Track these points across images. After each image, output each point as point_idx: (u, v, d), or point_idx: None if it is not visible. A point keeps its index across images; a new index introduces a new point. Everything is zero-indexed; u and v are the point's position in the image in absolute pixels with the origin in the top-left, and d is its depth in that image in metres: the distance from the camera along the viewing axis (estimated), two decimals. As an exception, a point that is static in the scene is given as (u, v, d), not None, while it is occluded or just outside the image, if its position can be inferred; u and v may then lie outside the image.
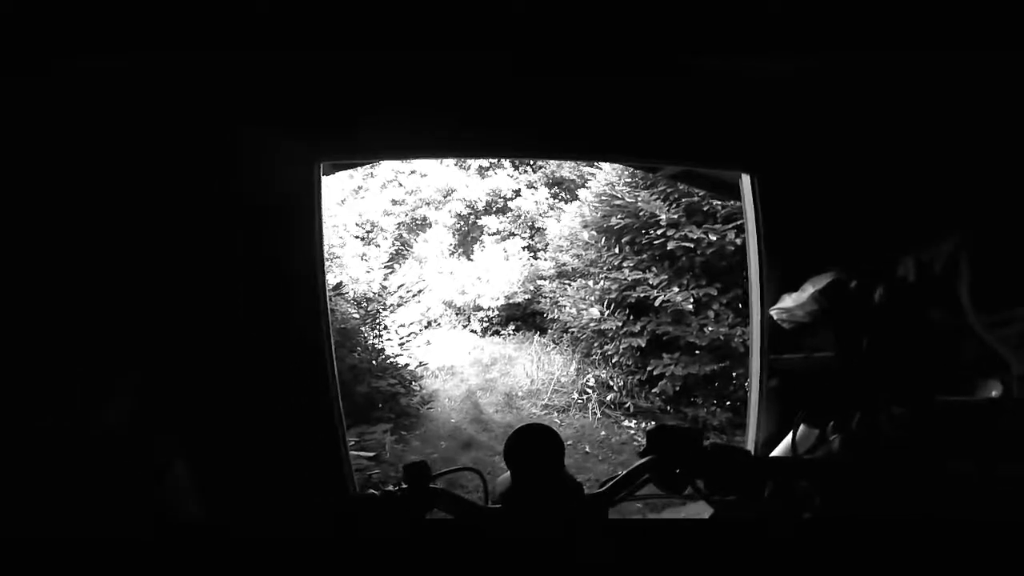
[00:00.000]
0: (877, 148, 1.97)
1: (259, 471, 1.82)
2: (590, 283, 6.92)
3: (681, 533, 1.04)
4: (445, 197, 10.69)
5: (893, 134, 1.95)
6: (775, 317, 2.03)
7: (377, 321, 6.67)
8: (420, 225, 10.81)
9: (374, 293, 6.99)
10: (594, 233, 7.08)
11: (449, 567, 0.99)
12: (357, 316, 6.36)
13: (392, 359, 6.44)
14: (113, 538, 1.30)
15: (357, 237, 9.00)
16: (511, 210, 10.36)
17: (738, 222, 5.48)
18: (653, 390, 6.16)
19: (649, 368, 6.14)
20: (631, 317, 6.42)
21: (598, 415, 6.27)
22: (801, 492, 1.18)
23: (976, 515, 1.06)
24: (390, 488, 1.01)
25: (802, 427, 1.58)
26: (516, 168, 10.68)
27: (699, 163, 2.61)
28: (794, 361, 2.01)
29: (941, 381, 1.57)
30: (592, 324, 6.74)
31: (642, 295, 6.24)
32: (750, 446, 2.19)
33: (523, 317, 9.06)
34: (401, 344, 6.78)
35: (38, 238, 1.66)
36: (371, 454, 4.94)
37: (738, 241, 5.61)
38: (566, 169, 10.29)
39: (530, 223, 10.19)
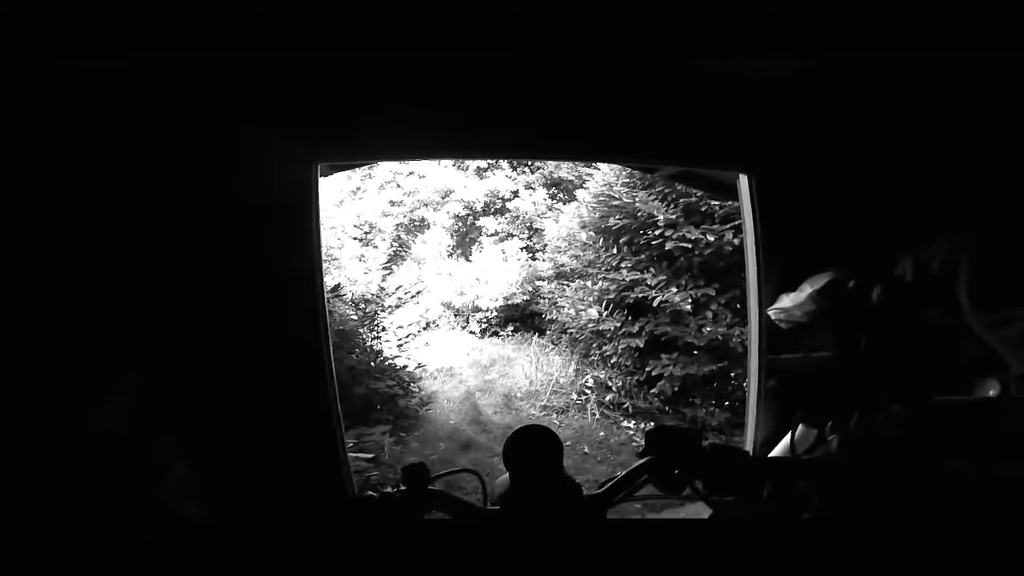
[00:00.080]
0: (875, 148, 1.98)
1: (258, 472, 1.82)
2: (588, 284, 6.93)
3: (680, 533, 1.04)
4: (443, 198, 10.68)
5: (891, 134, 1.95)
6: (773, 317, 2.03)
7: (375, 322, 6.66)
8: (418, 226, 10.80)
9: (372, 294, 6.98)
10: (592, 234, 7.08)
11: (448, 569, 0.98)
12: (355, 318, 6.35)
13: (390, 361, 6.43)
14: (113, 538, 1.30)
15: (355, 239, 8.99)
16: (509, 211, 10.36)
17: (736, 222, 5.49)
18: (652, 391, 6.16)
19: (648, 368, 6.14)
20: (629, 318, 6.42)
21: (597, 416, 6.27)
22: (800, 492, 1.18)
23: (974, 514, 1.06)
24: (388, 490, 1.01)
25: (800, 427, 1.58)
26: (514, 169, 10.68)
27: (697, 163, 2.61)
28: (792, 361, 2.01)
29: (939, 381, 1.57)
30: (591, 325, 6.74)
31: (640, 296, 6.24)
32: (749, 446, 2.19)
33: (521, 318, 9.06)
34: (399, 345, 6.77)
35: (38, 238, 1.65)
36: (370, 456, 4.93)
37: (736, 241, 5.62)
38: (564, 170, 10.29)
39: (528, 224, 10.19)
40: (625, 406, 6.25)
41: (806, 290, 1.89)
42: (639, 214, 6.31)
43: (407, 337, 7.01)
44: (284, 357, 1.90)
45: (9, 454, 1.47)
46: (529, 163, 10.44)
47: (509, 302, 9.04)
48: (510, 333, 8.95)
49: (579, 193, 8.08)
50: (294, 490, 1.83)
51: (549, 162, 9.94)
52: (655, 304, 6.08)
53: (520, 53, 1.68)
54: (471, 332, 9.21)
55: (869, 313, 1.72)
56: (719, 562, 0.99)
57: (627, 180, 6.66)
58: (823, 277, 1.87)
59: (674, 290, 6.04)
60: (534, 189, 10.51)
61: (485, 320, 9.21)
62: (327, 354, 1.98)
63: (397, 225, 10.57)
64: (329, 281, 6.27)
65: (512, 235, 10.19)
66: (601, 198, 6.87)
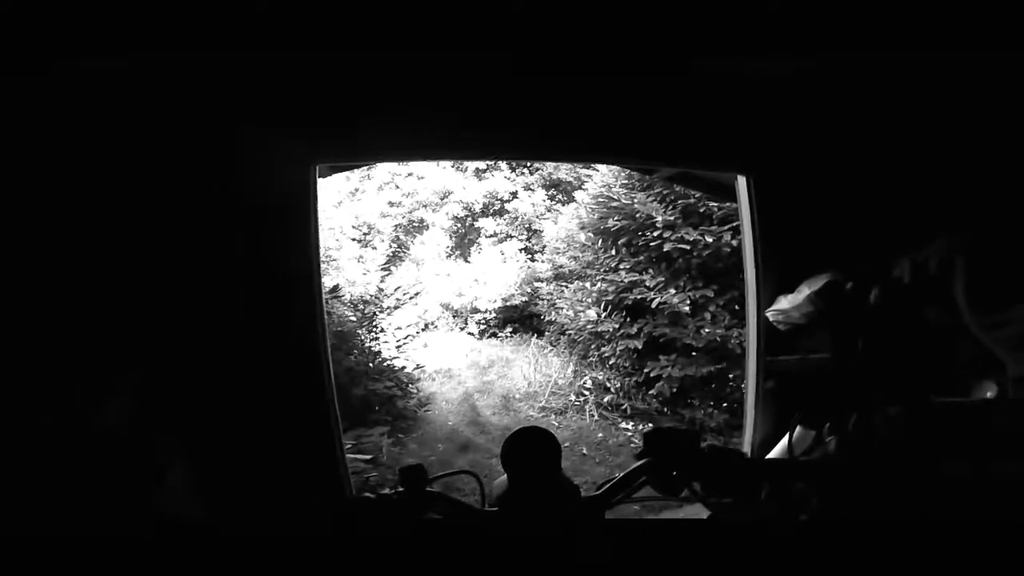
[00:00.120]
0: (873, 149, 1.98)
1: (255, 473, 1.81)
2: (587, 285, 6.93)
3: (677, 534, 1.04)
4: (442, 199, 10.68)
5: (889, 135, 1.96)
6: (771, 319, 2.03)
7: (374, 324, 6.65)
8: (417, 227, 10.80)
9: (371, 295, 6.97)
10: (591, 235, 7.09)
11: (445, 570, 0.98)
12: (354, 319, 6.34)
13: (389, 362, 6.42)
14: (113, 538, 1.30)
15: (354, 239, 8.98)
16: (508, 212, 10.35)
17: (734, 224, 5.49)
18: (650, 392, 6.16)
19: (646, 370, 6.14)
20: (628, 319, 6.42)
21: (595, 417, 6.27)
22: (798, 494, 1.18)
23: (972, 516, 1.06)
24: (386, 491, 1.01)
25: (798, 429, 1.58)
26: (513, 170, 10.68)
27: (696, 164, 2.62)
28: (790, 363, 2.01)
29: (937, 382, 1.58)
30: (589, 326, 6.74)
31: (639, 297, 6.25)
32: (747, 447, 2.19)
33: (520, 319, 9.05)
34: (398, 347, 6.76)
35: (38, 237, 1.65)
36: (368, 457, 4.92)
37: (734, 243, 5.62)
38: (563, 171, 10.29)
39: (527, 225, 10.19)
40: (623, 407, 6.25)
41: (804, 292, 1.90)
42: (638, 215, 6.31)
43: (405, 338, 7.01)
44: (282, 358, 1.90)
45: (9, 454, 1.47)
46: (528, 164, 10.44)
47: (508, 303, 9.04)
48: (509, 334, 8.95)
49: (578, 194, 8.09)
50: (292, 491, 1.82)
51: (548, 163, 9.94)
52: (654, 305, 6.08)
53: (520, 53, 1.68)
54: (470, 333, 9.20)
55: (867, 315, 1.73)
56: (717, 564, 0.99)
57: (626, 181, 6.67)
58: (821, 279, 1.87)
59: (672, 291, 6.05)
60: (533, 190, 10.51)
61: (484, 321, 9.20)
62: (325, 355, 1.98)
63: (396, 226, 10.56)
64: (328, 282, 6.27)
65: (511, 236, 10.19)
66: (600, 199, 6.88)
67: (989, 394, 1.49)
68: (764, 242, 2.17)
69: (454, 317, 9.49)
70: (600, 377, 6.57)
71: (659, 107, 1.99)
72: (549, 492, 0.99)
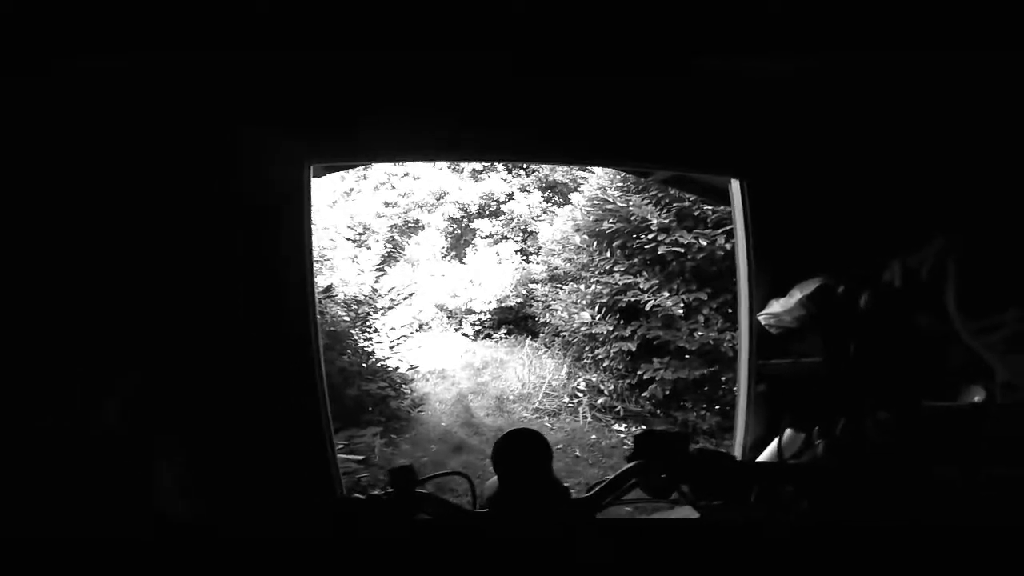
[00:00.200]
0: (866, 153, 1.99)
1: (245, 473, 1.80)
2: (582, 287, 6.94)
3: (666, 536, 1.04)
4: (438, 200, 10.68)
5: (884, 139, 1.97)
6: (763, 322, 2.04)
7: (367, 324, 6.63)
8: (412, 228, 10.79)
9: (365, 296, 6.95)
10: (586, 237, 7.10)
11: (435, 571, 0.98)
12: (347, 319, 6.32)
13: (382, 362, 6.40)
14: (112, 538, 1.29)
15: (349, 239, 8.96)
16: (504, 213, 10.36)
17: (728, 227, 5.52)
18: (643, 394, 6.17)
19: (639, 372, 6.15)
20: (622, 321, 6.43)
21: (588, 419, 6.27)
22: (787, 497, 1.18)
23: (961, 520, 1.06)
24: (376, 492, 1.01)
25: (788, 432, 1.59)
26: (509, 172, 10.69)
27: (693, 168, 2.62)
28: (782, 366, 2.02)
29: (927, 386, 1.58)
30: (583, 328, 6.75)
31: (633, 299, 6.26)
32: (738, 450, 2.20)
33: (515, 321, 9.05)
34: (392, 347, 6.74)
35: (37, 237, 1.65)
36: (360, 457, 4.90)
37: (728, 246, 5.64)
38: (559, 173, 10.31)
39: (523, 226, 10.20)
40: (617, 409, 6.26)
41: (796, 296, 1.90)
42: (632, 218, 6.33)
43: (399, 339, 6.99)
44: (274, 357, 1.89)
45: (9, 454, 1.47)
46: (525, 166, 10.45)
47: (503, 304, 9.04)
48: (503, 336, 8.95)
49: (573, 196, 8.10)
50: (282, 491, 1.81)
51: (544, 165, 9.95)
52: (647, 308, 6.09)
53: (520, 53, 1.68)
54: (464, 334, 9.20)
55: (858, 319, 1.73)
56: (706, 566, 0.99)
57: (621, 184, 6.68)
58: (813, 283, 1.88)
59: (666, 294, 6.06)
60: (529, 192, 10.52)
61: (478, 322, 9.20)
62: (317, 355, 1.97)
63: (391, 226, 10.55)
64: (322, 282, 6.24)
65: (506, 237, 10.20)
66: (595, 201, 6.89)
67: (977, 399, 1.50)
68: (757, 246, 2.18)
69: (449, 318, 9.48)
70: (594, 379, 6.57)
71: (658, 109, 1.99)
72: (539, 494, 0.99)
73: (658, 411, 6.09)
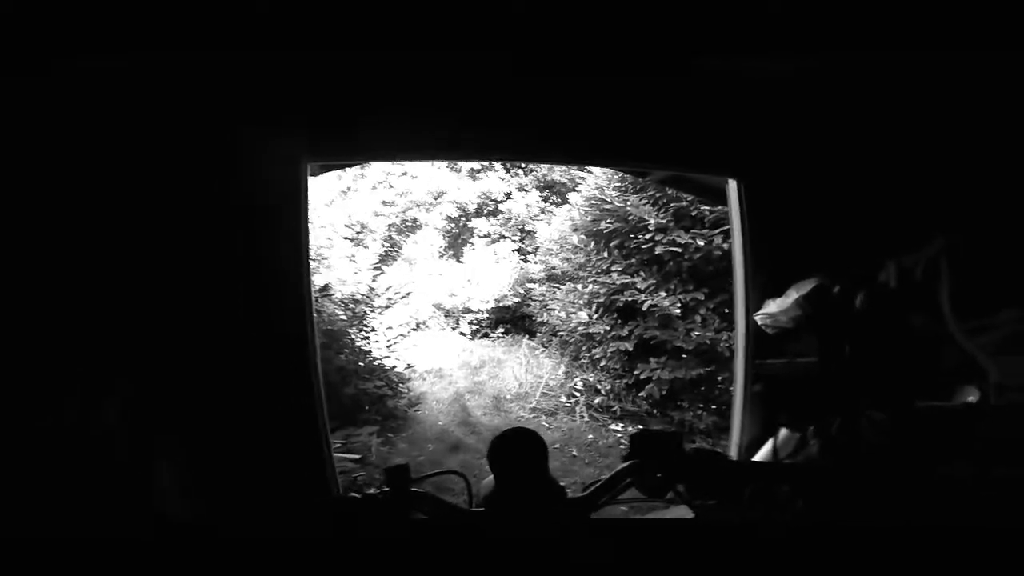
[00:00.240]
0: (863, 154, 2.00)
1: (241, 472, 1.80)
2: (579, 287, 6.94)
3: (661, 536, 1.04)
4: (436, 199, 10.66)
5: (880, 139, 1.97)
6: (759, 322, 2.05)
7: (364, 323, 6.62)
8: (410, 227, 10.77)
9: (362, 295, 6.94)
10: (583, 237, 7.10)
11: (430, 570, 0.98)
12: (344, 318, 6.31)
13: (379, 361, 6.40)
14: (112, 538, 1.29)
15: (346, 238, 8.95)
16: (502, 213, 10.35)
17: (725, 227, 5.52)
18: (640, 394, 6.18)
19: (636, 372, 6.16)
20: (619, 321, 6.44)
21: (586, 418, 6.28)
22: (783, 496, 1.19)
23: (956, 520, 1.07)
24: (371, 491, 1.01)
25: (784, 431, 1.59)
26: (507, 171, 10.68)
27: (691, 168, 2.62)
28: (777, 366, 2.02)
29: (922, 387, 1.59)
30: (580, 328, 6.75)
31: (630, 299, 6.26)
32: (734, 450, 2.20)
33: (512, 320, 9.05)
34: (389, 346, 6.74)
35: (36, 236, 1.64)
36: (357, 456, 4.90)
37: (725, 246, 5.65)
38: (557, 172, 10.30)
39: (521, 226, 10.19)
40: (614, 409, 6.26)
41: (792, 296, 1.91)
42: (630, 218, 6.34)
43: (396, 338, 6.98)
44: (270, 356, 1.89)
45: (9, 454, 1.47)
46: (523, 165, 10.44)
47: (500, 304, 9.04)
48: (501, 335, 8.94)
49: (571, 196, 8.10)
50: (278, 490, 1.81)
51: (542, 165, 9.95)
52: (644, 308, 6.10)
53: (520, 53, 1.67)
54: (461, 333, 9.18)
55: (853, 319, 1.74)
56: (700, 565, 0.99)
57: (619, 184, 6.69)
58: (809, 283, 1.89)
59: (663, 294, 6.07)
60: (527, 191, 10.51)
61: (476, 321, 9.19)
62: (313, 354, 1.97)
63: (389, 225, 10.53)
64: (319, 280, 6.23)
65: (504, 237, 10.18)
66: (593, 201, 6.89)
67: (971, 399, 1.51)
68: (754, 246, 2.18)
69: (446, 317, 9.47)
70: (591, 378, 6.58)
71: (658, 109, 1.99)
72: (535, 493, 0.99)
73: (655, 411, 6.10)
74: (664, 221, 6.11)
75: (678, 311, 5.99)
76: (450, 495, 1.11)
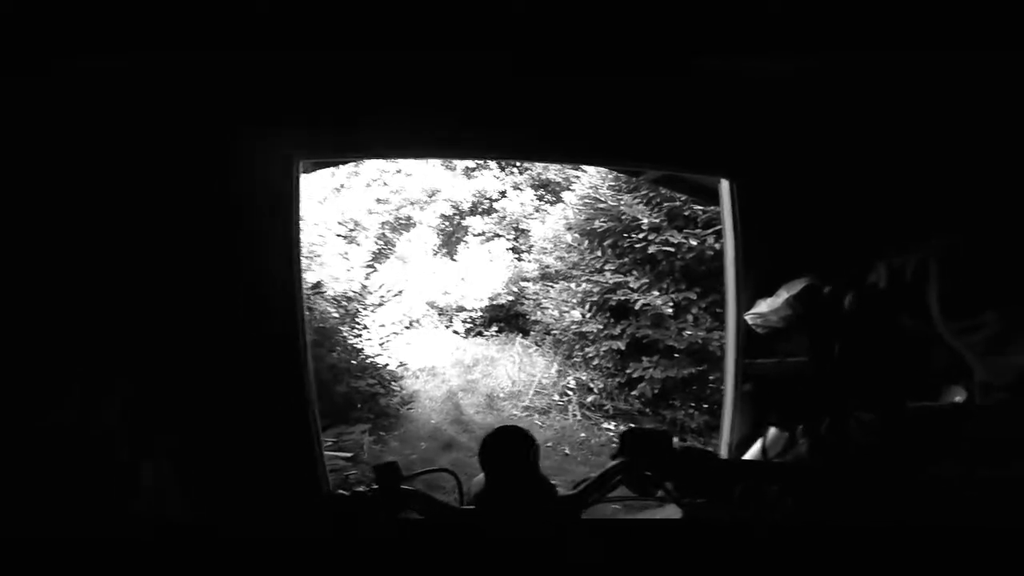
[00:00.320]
0: (856, 155, 2.01)
1: (231, 471, 1.79)
2: (572, 285, 6.95)
3: (651, 534, 1.05)
4: (430, 197, 10.63)
5: (872, 141, 1.98)
6: (750, 322, 2.06)
7: (357, 320, 6.60)
8: (404, 224, 10.73)
9: (355, 292, 6.91)
10: (577, 236, 7.11)
11: (420, 568, 0.98)
12: (336, 315, 6.29)
13: (372, 359, 6.38)
14: (112, 538, 1.29)
15: (339, 235, 8.91)
16: (496, 211, 10.34)
17: (718, 228, 5.54)
18: (632, 392, 6.21)
19: (628, 371, 6.18)
20: (612, 320, 6.46)
21: (578, 417, 6.30)
22: (771, 495, 1.19)
23: (944, 520, 1.08)
24: (360, 489, 1.01)
25: (773, 431, 1.60)
26: (502, 169, 10.66)
27: (689, 168, 2.62)
28: (768, 366, 2.03)
29: (911, 387, 1.61)
30: (574, 326, 6.77)
31: (623, 298, 6.28)
32: (724, 449, 2.22)
33: (506, 318, 9.05)
34: (381, 344, 6.72)
35: (35, 237, 1.63)
36: (348, 455, 4.89)
37: (718, 246, 5.68)
38: (552, 171, 10.29)
39: (515, 224, 10.18)
40: (606, 408, 6.29)
41: (783, 296, 1.92)
42: (624, 217, 6.35)
43: (389, 336, 6.96)
44: (260, 354, 1.87)
45: (9, 454, 1.46)
46: (518, 164, 10.43)
47: (494, 302, 9.03)
48: (494, 333, 8.94)
49: (566, 195, 8.11)
50: (268, 489, 1.80)
51: (537, 163, 9.94)
52: (637, 307, 6.12)
53: (520, 53, 1.67)
54: (455, 331, 9.17)
55: (843, 319, 1.75)
56: (689, 563, 1.00)
57: (613, 183, 6.70)
58: (799, 283, 1.89)
59: (656, 293, 6.10)
60: (521, 190, 10.50)
61: (469, 320, 9.18)
62: (304, 352, 1.96)
63: (383, 223, 10.49)
64: (311, 278, 6.20)
65: (498, 235, 10.17)
66: (587, 200, 6.91)
67: (958, 399, 1.53)
68: (745, 246, 2.19)
69: (440, 315, 9.46)
70: (583, 377, 6.60)
71: (658, 109, 1.99)
72: (525, 491, 0.99)
73: (647, 409, 6.13)
74: (657, 220, 6.13)
75: (670, 310, 6.01)
76: (441, 493, 1.11)
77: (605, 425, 6.13)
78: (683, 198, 5.83)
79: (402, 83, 1.82)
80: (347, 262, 7.42)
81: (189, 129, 1.76)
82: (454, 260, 10.12)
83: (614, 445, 1.07)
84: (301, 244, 1.98)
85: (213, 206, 1.81)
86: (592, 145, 2.15)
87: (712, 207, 5.34)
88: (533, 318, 8.06)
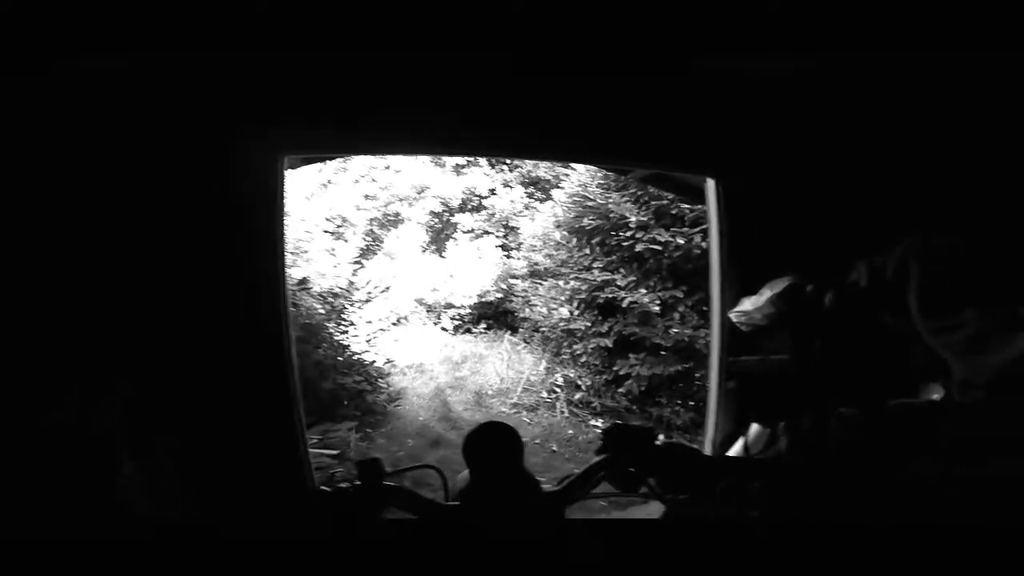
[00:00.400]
0: (842, 155, 2.03)
1: (215, 469, 1.77)
2: (561, 283, 6.97)
3: (634, 530, 1.06)
4: (419, 194, 10.59)
5: (862, 142, 2.00)
6: (734, 320, 2.07)
7: (343, 317, 6.56)
8: (392, 221, 10.68)
9: (341, 288, 6.87)
10: (566, 233, 7.13)
11: (403, 564, 0.98)
12: (323, 311, 6.24)
13: (358, 356, 6.34)
14: (112, 538, 1.28)
15: (326, 232, 8.85)
16: (486, 208, 10.33)
17: (704, 226, 5.57)
18: (619, 390, 6.25)
19: (616, 368, 6.22)
20: (599, 317, 6.49)
21: (566, 414, 6.32)
22: (753, 492, 1.20)
23: (924, 518, 1.09)
24: (342, 485, 1.00)
25: (755, 428, 1.62)
26: (492, 167, 10.65)
27: (682, 168, 2.62)
28: (751, 363, 2.05)
29: (890, 384, 1.63)
30: (562, 324, 6.79)
31: (610, 296, 6.32)
32: (708, 446, 2.23)
33: (495, 315, 9.05)
34: (368, 340, 6.68)
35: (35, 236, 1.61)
36: (335, 452, 4.86)
37: (704, 245, 5.72)
38: (542, 169, 10.30)
39: (504, 222, 10.18)
40: (593, 405, 6.32)
41: (766, 294, 1.93)
42: (612, 215, 6.38)
43: (376, 332, 6.93)
44: (244, 351, 1.86)
45: (9, 454, 1.44)
46: (507, 161, 10.42)
47: (482, 299, 9.03)
48: (483, 330, 8.94)
49: (555, 193, 8.12)
50: (251, 487, 1.79)
51: (527, 161, 9.94)
52: (624, 305, 6.16)
53: (520, 53, 1.67)
54: (443, 328, 9.16)
55: (825, 317, 1.77)
56: (671, 559, 1.01)
57: (602, 181, 6.73)
58: (783, 281, 1.91)
59: (643, 291, 6.13)
60: (511, 187, 10.50)
61: (458, 317, 9.17)
62: (289, 349, 1.94)
63: (371, 219, 10.43)
64: (297, 274, 6.15)
65: (488, 232, 10.16)
66: (576, 198, 6.93)
67: (936, 396, 1.55)
68: (731, 245, 2.20)
69: (428, 312, 9.43)
70: (571, 374, 6.62)
71: (655, 109, 1.99)
72: (510, 487, 0.99)
73: (634, 407, 6.17)
74: (645, 219, 6.17)
75: (657, 308, 6.06)
76: (427, 490, 1.10)
77: (592, 422, 6.17)
78: (671, 197, 5.87)
79: (402, 83, 1.81)
80: (334, 258, 7.37)
81: (182, 128, 1.75)
82: (443, 257, 10.09)
83: (600, 441, 1.07)
84: (286, 240, 1.96)
85: (203, 204, 1.79)
86: (592, 145, 2.14)
87: (699, 206, 5.38)
88: (521, 315, 8.07)
